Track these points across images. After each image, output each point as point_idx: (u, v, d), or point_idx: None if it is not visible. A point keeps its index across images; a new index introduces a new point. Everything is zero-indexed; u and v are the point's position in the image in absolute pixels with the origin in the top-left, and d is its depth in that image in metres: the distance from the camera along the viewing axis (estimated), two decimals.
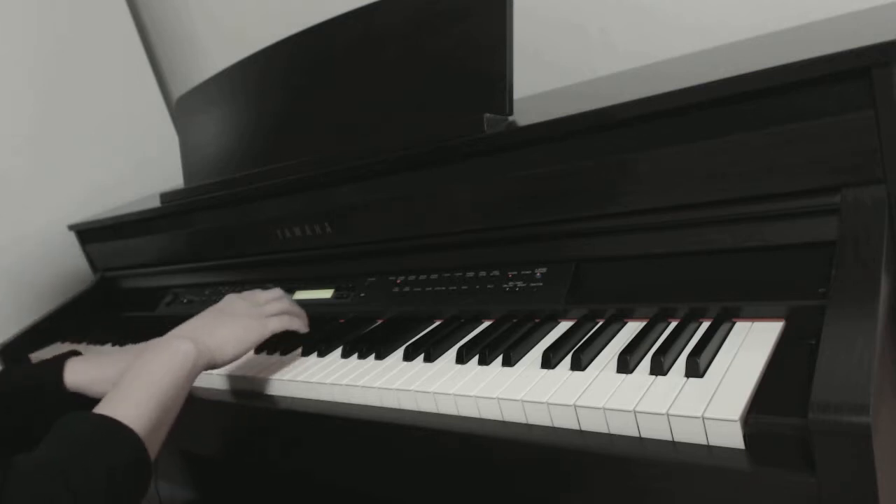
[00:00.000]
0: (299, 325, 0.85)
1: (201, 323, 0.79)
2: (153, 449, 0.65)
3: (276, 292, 0.88)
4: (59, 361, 0.86)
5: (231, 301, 0.84)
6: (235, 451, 0.98)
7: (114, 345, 1.22)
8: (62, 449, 0.60)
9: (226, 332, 0.77)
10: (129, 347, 0.92)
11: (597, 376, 0.63)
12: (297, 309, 0.87)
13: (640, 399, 0.57)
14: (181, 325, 0.79)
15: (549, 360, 0.67)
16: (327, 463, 0.83)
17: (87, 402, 0.85)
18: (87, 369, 0.85)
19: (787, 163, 0.62)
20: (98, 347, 1.24)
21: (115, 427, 0.62)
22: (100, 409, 0.64)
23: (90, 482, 0.57)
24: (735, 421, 0.51)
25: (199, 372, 0.74)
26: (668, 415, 0.54)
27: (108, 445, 0.61)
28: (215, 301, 1.20)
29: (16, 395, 0.84)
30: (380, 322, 0.93)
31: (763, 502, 0.48)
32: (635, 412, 0.55)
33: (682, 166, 0.67)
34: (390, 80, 0.94)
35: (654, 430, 0.55)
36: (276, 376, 0.85)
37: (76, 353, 0.88)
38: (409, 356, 0.78)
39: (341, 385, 0.77)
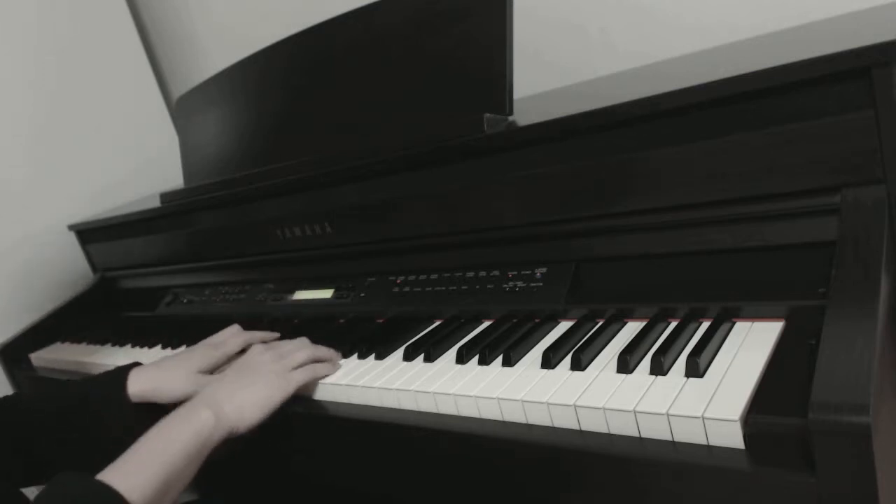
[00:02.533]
0: (325, 371, 0.81)
1: (225, 384, 0.76)
2: None
3: (303, 341, 0.85)
4: (122, 372, 0.85)
5: (255, 354, 0.82)
6: (235, 452, 0.98)
7: (113, 345, 1.22)
8: None
9: (247, 396, 0.74)
10: (189, 349, 0.91)
11: (597, 376, 0.63)
12: (325, 352, 0.84)
13: (640, 399, 0.57)
14: (206, 387, 0.76)
15: (549, 360, 0.67)
16: (327, 463, 0.83)
17: (153, 411, 0.84)
18: (151, 376, 0.84)
19: (787, 163, 0.62)
20: (98, 347, 1.24)
21: (111, 499, 0.59)
22: (104, 475, 0.62)
23: None
24: (735, 421, 0.51)
25: (218, 441, 0.71)
26: (668, 415, 0.54)
27: None
28: (215, 301, 1.21)
29: (79, 409, 0.83)
30: (380, 322, 0.93)
31: (763, 502, 0.48)
32: (635, 412, 0.55)
33: (682, 166, 0.67)
34: (390, 80, 0.94)
35: (654, 430, 0.55)
36: None
37: (137, 364, 0.88)
38: (409, 356, 0.78)
39: (341, 385, 0.77)
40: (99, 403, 0.84)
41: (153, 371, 0.86)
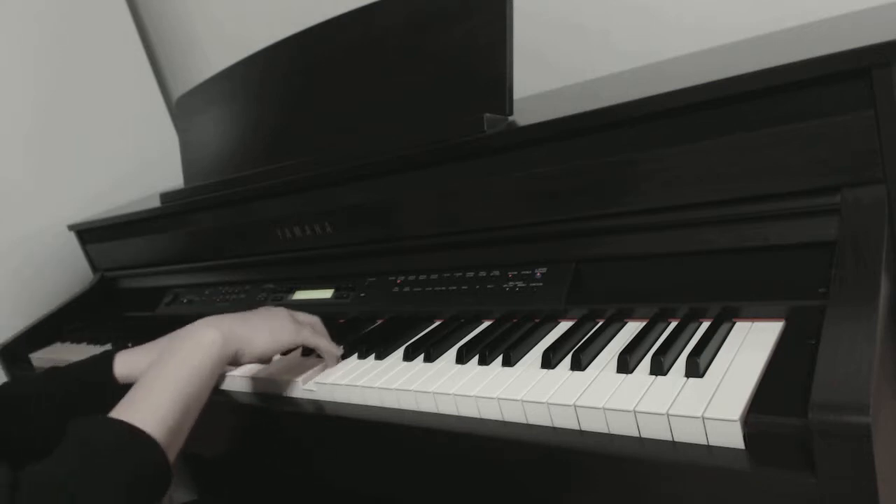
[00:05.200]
0: (331, 347, 0.81)
1: (232, 316, 0.75)
2: (174, 451, 0.61)
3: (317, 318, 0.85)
4: (107, 356, 0.84)
5: (270, 307, 0.82)
6: (235, 452, 0.98)
7: (114, 345, 1.22)
8: (75, 461, 0.55)
9: (259, 324, 0.73)
10: (176, 333, 0.90)
11: (597, 376, 0.63)
12: (333, 346, 0.84)
13: (640, 399, 0.57)
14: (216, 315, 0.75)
15: (549, 360, 0.67)
16: (327, 463, 0.83)
17: None
18: (139, 359, 0.83)
19: (787, 163, 0.62)
20: (98, 347, 1.24)
21: (134, 435, 0.58)
22: (118, 412, 0.60)
23: (106, 499, 0.54)
24: (735, 421, 0.51)
25: (226, 362, 0.69)
26: (668, 415, 0.54)
27: (127, 457, 0.57)
28: (215, 301, 1.21)
29: (66, 394, 0.82)
30: (380, 322, 0.93)
31: (763, 502, 0.48)
32: (635, 412, 0.55)
33: (682, 166, 0.67)
34: (390, 80, 0.94)
35: (654, 430, 0.55)
36: (277, 378, 0.84)
37: (124, 347, 0.86)
38: (409, 356, 0.78)
39: (342, 385, 0.77)
40: (86, 389, 0.82)
41: (139, 355, 0.84)
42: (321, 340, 0.82)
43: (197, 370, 0.65)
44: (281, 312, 0.80)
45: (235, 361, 0.72)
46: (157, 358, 0.67)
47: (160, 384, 0.63)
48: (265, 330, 0.73)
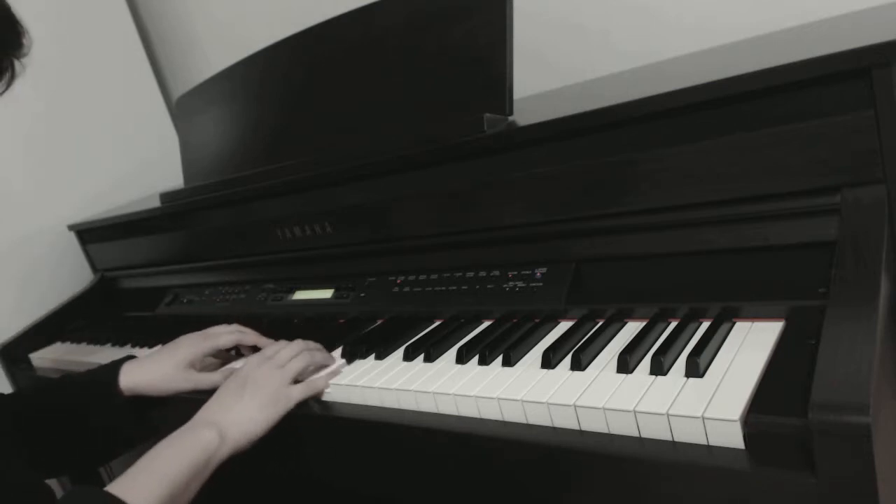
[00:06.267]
0: (323, 384, 0.80)
1: (226, 403, 0.76)
2: None
3: (297, 345, 0.83)
4: (115, 366, 0.87)
5: (254, 367, 0.79)
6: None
7: (114, 345, 1.22)
8: None
9: (248, 413, 0.74)
10: (174, 343, 0.90)
11: (597, 376, 0.63)
12: (321, 357, 0.83)
13: (640, 399, 0.57)
14: (209, 404, 0.76)
15: (549, 360, 0.67)
16: (327, 463, 0.83)
17: (144, 403, 0.87)
18: (141, 370, 0.86)
19: (787, 163, 0.62)
20: (98, 347, 1.25)
21: None
22: (113, 487, 0.63)
23: None
24: (735, 421, 0.51)
25: (222, 459, 0.72)
26: (668, 415, 0.54)
27: None
28: (215, 300, 1.21)
29: (74, 399, 0.86)
30: (380, 322, 0.93)
31: (763, 502, 0.48)
32: (635, 412, 0.55)
33: (682, 166, 0.67)
34: (390, 80, 0.94)
35: (654, 430, 0.55)
36: None
37: (132, 357, 0.90)
38: (409, 356, 0.78)
39: (341, 385, 0.77)
40: (92, 397, 0.86)
41: (144, 364, 0.88)
42: (316, 385, 0.79)
43: (190, 468, 0.68)
44: (265, 380, 0.77)
45: (233, 454, 0.73)
46: (161, 443, 0.70)
47: (157, 472, 0.67)
48: (255, 420, 0.74)
